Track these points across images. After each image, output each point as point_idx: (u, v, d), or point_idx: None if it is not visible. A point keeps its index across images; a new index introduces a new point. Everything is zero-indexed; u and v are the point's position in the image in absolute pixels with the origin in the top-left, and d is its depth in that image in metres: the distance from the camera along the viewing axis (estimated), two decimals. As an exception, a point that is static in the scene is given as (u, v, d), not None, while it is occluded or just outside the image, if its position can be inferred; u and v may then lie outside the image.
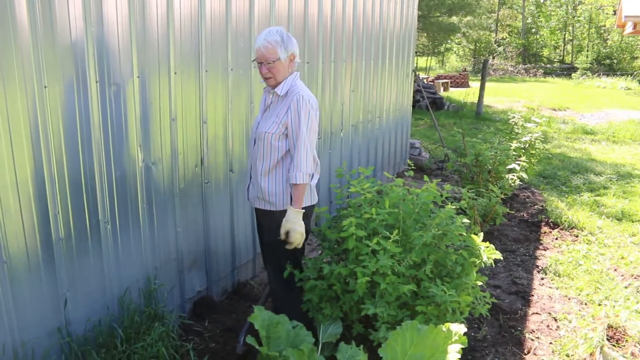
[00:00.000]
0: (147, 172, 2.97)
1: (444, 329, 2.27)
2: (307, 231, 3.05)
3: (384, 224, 2.85)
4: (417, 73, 13.63)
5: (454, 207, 3.04)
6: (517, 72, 34.26)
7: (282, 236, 2.74)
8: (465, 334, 2.55)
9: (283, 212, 2.84)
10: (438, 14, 19.21)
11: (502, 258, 3.03)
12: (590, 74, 31.06)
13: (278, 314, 2.92)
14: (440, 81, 21.55)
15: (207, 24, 3.25)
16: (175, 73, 3.05)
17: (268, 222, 2.93)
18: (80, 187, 2.56)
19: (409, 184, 3.14)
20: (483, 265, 2.96)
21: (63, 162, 2.45)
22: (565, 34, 41.27)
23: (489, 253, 2.97)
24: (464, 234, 2.91)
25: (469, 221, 2.97)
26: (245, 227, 3.98)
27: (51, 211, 2.42)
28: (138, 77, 2.80)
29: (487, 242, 3.05)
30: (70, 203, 2.52)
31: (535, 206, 6.24)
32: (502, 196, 4.99)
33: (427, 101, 10.60)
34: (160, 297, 3.12)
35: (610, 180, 7.71)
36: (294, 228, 2.71)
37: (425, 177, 3.13)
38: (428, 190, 2.92)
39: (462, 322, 2.80)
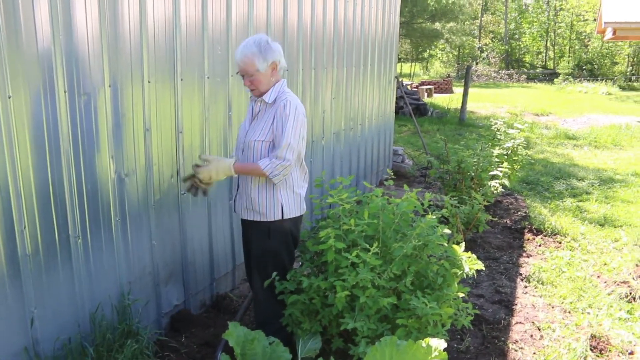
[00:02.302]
0: (120, 184, 2.88)
1: (424, 344, 2.21)
2: (297, 241, 2.99)
3: (363, 235, 2.78)
4: (401, 79, 13.62)
5: (435, 216, 2.99)
6: (501, 78, 34.53)
7: (201, 175, 2.81)
8: (447, 345, 2.49)
9: (273, 223, 2.81)
10: (421, 20, 19.29)
11: (484, 268, 2.99)
12: (572, 79, 31.38)
13: (261, 326, 2.86)
14: (424, 87, 21.61)
15: (182, 31, 3.18)
16: (149, 82, 2.96)
17: (257, 233, 2.87)
18: (49, 201, 2.47)
19: (389, 193, 3.08)
20: (465, 276, 2.91)
21: (30, 174, 2.35)
22: (547, 40, 41.72)
23: (470, 263, 2.92)
24: (445, 244, 2.86)
25: (450, 231, 2.92)
26: (224, 239, 3.90)
27: (17, 226, 2.32)
28: (110, 86, 2.71)
29: (469, 252, 3.00)
30: (38, 217, 2.42)
31: (519, 212, 6.23)
32: (485, 203, 4.96)
33: (411, 107, 10.59)
34: (135, 313, 3.02)
35: (593, 185, 7.74)
36: (216, 173, 2.78)
37: (406, 187, 3.08)
38: (408, 200, 2.86)
39: (443, 335, 2.74)
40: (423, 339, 2.65)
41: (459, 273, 2.90)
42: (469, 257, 2.98)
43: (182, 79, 3.22)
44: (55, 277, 2.55)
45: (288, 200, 2.82)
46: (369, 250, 2.65)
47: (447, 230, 2.87)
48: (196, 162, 2.93)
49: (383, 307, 2.64)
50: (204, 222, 3.65)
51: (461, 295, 2.85)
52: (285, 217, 2.81)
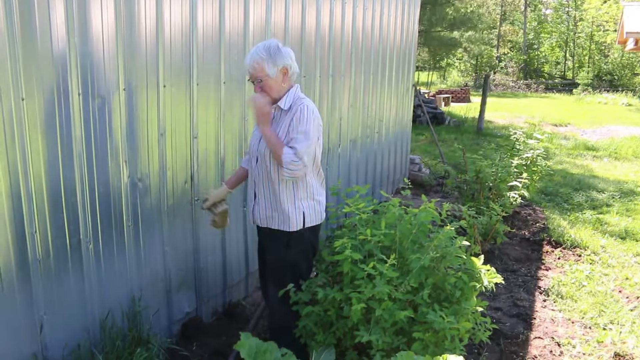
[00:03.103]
0: (133, 188, 2.85)
1: (442, 361, 2.13)
2: (316, 250, 2.94)
3: (379, 246, 2.71)
4: (418, 88, 13.53)
5: (453, 227, 2.91)
6: (519, 88, 34.25)
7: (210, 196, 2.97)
8: (464, 363, 2.41)
9: (294, 233, 2.75)
10: (439, 29, 19.19)
11: (503, 282, 2.90)
12: (591, 89, 31.03)
13: (275, 336, 2.80)
14: (442, 96, 21.49)
15: (199, 35, 3.14)
16: (164, 86, 2.93)
17: (275, 242, 2.82)
18: (61, 205, 2.44)
19: (407, 203, 3.01)
20: (484, 289, 2.82)
21: (41, 177, 2.32)
22: (566, 50, 41.34)
23: (489, 277, 2.83)
24: (464, 256, 2.77)
25: (468, 243, 2.83)
26: (237, 245, 3.85)
27: (28, 229, 2.29)
28: (124, 89, 2.68)
29: (488, 265, 2.91)
30: (49, 221, 2.39)
31: (537, 224, 6.10)
32: (503, 214, 4.86)
33: (428, 116, 10.49)
34: (146, 320, 2.98)
35: (613, 197, 7.58)
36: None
37: (423, 197, 3.00)
38: (426, 210, 2.79)
39: (461, 350, 2.65)
40: (440, 354, 2.57)
41: (478, 286, 2.82)
42: (488, 270, 2.89)
43: (197, 84, 3.18)
44: (65, 282, 2.51)
45: (309, 208, 2.77)
46: (386, 262, 2.58)
47: (465, 242, 2.79)
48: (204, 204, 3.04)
49: (399, 320, 2.57)
50: (217, 230, 3.60)
51: (480, 309, 2.76)
52: (306, 225, 2.75)
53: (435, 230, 2.88)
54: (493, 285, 2.85)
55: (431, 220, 2.83)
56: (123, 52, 2.64)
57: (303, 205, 2.76)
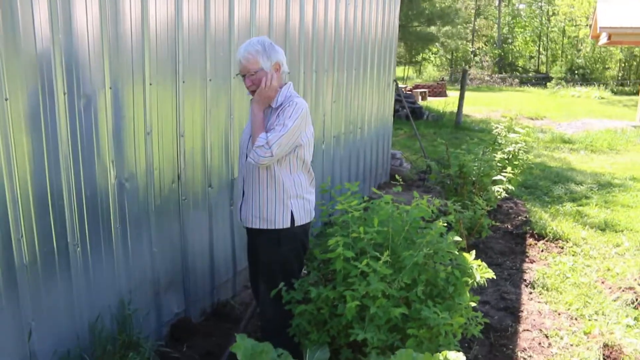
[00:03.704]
0: (120, 189, 2.79)
1: (442, 358, 2.12)
2: (306, 248, 2.91)
3: (372, 243, 2.70)
4: (398, 83, 13.58)
5: (442, 221, 2.91)
6: (494, 82, 34.59)
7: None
8: None
9: (283, 231, 2.72)
10: (417, 24, 19.25)
11: (494, 277, 2.91)
12: (564, 83, 31.49)
13: (266, 336, 2.77)
14: (419, 90, 21.61)
15: (184, 32, 3.09)
16: (150, 84, 2.87)
17: (266, 241, 2.78)
18: (47, 208, 2.37)
19: (398, 200, 3.00)
20: (475, 284, 2.83)
21: (27, 180, 2.25)
22: (539, 45, 41.89)
23: (481, 272, 2.84)
24: (456, 252, 2.78)
25: (460, 239, 2.84)
26: (224, 244, 3.80)
27: (14, 234, 2.22)
28: (110, 88, 2.62)
29: (479, 260, 2.92)
30: (36, 225, 2.32)
31: (519, 217, 6.17)
32: (488, 208, 4.89)
33: (408, 110, 10.53)
34: (136, 323, 2.92)
35: (592, 189, 7.70)
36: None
37: (415, 193, 2.99)
38: (418, 207, 2.78)
39: (455, 345, 2.66)
40: (435, 350, 2.57)
41: (470, 282, 2.83)
42: (479, 265, 2.90)
43: (183, 81, 3.13)
44: (53, 287, 2.45)
45: (298, 206, 2.73)
46: (379, 259, 2.57)
47: (457, 238, 2.79)
48: None
49: (393, 317, 2.56)
50: (205, 228, 3.55)
51: (473, 304, 2.77)
52: (296, 224, 2.72)
53: (427, 226, 2.87)
54: (485, 280, 2.86)
55: (422, 216, 2.83)
56: (109, 50, 2.57)
57: (292, 204, 2.72)
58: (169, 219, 3.19)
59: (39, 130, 2.28)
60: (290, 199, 2.70)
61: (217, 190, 3.60)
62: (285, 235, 2.73)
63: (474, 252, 2.93)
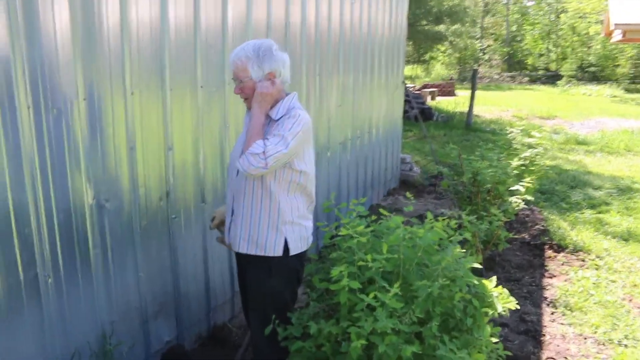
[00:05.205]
0: (100, 211, 2.50)
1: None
2: (301, 278, 2.61)
3: (381, 271, 2.39)
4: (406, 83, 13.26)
5: (457, 239, 2.61)
6: (503, 80, 34.12)
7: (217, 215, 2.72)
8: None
9: (273, 259, 2.41)
10: (425, 23, 18.90)
11: (519, 307, 2.60)
12: (575, 81, 30.97)
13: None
14: (428, 90, 21.19)
15: (171, 34, 2.79)
16: (132, 93, 2.58)
17: (256, 270, 2.48)
18: (11, 236, 2.09)
19: (409, 220, 2.69)
20: (497, 315, 2.53)
21: (-14, 206, 1.97)
22: (548, 42, 41.32)
23: (503, 302, 2.54)
24: (475, 281, 2.47)
25: (480, 266, 2.53)
26: (221, 263, 3.51)
27: (-30, 269, 1.94)
28: (85, 99, 2.33)
29: (500, 287, 2.61)
30: (-3, 256, 2.04)
31: (537, 226, 5.83)
32: (505, 219, 4.57)
33: (417, 111, 10.20)
34: (119, 358, 2.64)
35: (611, 195, 7.35)
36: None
37: (429, 214, 2.67)
38: (433, 231, 2.47)
39: (475, 387, 2.35)
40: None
41: (490, 313, 2.52)
42: (501, 294, 2.59)
43: (171, 89, 2.84)
44: (20, 324, 2.17)
45: (293, 233, 2.42)
46: (388, 290, 2.27)
47: (477, 265, 2.48)
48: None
49: (404, 357, 2.25)
50: (199, 247, 3.27)
51: (494, 340, 2.47)
52: (290, 253, 2.42)
53: (442, 245, 2.57)
54: (507, 310, 2.56)
55: (438, 239, 2.52)
56: (82, 56, 2.28)
57: (286, 229, 2.41)
58: (157, 240, 2.91)
59: (-1, 149, 1.99)
60: (284, 225, 2.39)
61: (211, 205, 3.31)
62: (277, 265, 2.42)
63: (494, 278, 2.62)
